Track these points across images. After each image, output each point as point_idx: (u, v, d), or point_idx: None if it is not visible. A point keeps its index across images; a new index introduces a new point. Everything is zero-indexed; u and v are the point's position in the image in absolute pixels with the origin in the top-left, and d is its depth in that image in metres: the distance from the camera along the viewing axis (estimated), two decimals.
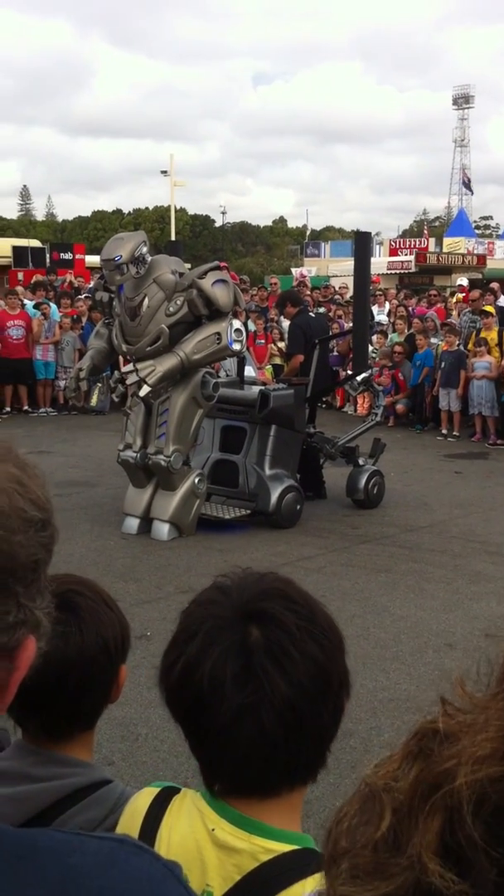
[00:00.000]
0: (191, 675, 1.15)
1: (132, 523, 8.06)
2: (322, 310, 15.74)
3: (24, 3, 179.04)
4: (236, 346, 7.89)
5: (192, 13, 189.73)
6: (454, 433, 13.79)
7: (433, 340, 14.57)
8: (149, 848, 0.79)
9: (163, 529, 7.91)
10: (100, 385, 15.09)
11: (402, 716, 4.70)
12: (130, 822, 1.29)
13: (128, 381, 7.77)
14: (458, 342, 14.10)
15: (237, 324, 7.99)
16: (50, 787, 1.42)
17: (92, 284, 14.92)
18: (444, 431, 13.83)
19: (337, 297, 19.25)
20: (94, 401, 15.16)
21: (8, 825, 0.77)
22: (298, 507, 8.49)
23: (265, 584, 1.21)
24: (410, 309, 17.35)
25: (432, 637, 5.84)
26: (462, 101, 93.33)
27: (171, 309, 7.67)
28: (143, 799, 1.30)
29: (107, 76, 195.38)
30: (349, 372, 10.85)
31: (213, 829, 1.19)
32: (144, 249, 7.61)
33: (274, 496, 8.23)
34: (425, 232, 45.16)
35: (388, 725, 4.60)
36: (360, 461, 9.35)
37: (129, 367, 7.68)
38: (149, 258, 7.75)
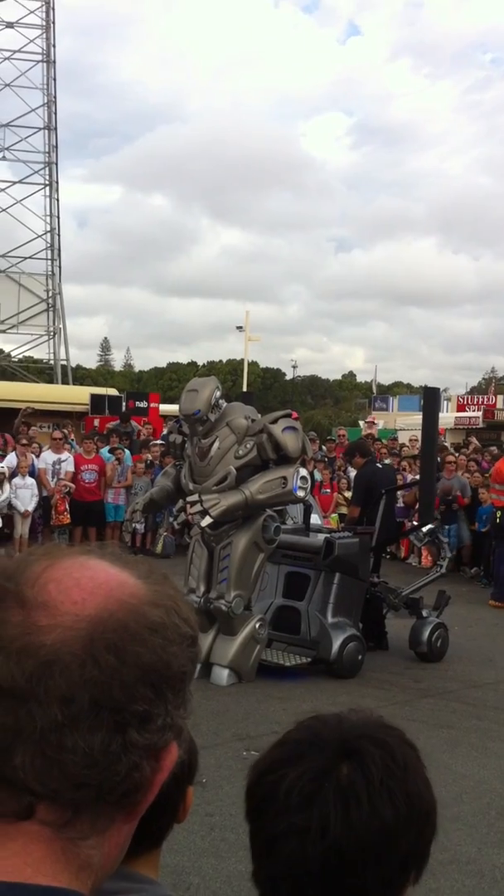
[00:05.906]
0: (267, 774, 1.14)
1: None
2: (388, 461, 15.87)
3: (134, 180, 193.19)
4: (300, 493, 8.02)
5: (287, 187, 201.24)
6: None
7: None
8: None
9: (222, 674, 7.86)
10: (165, 534, 15.32)
11: (463, 879, 4.51)
12: None
13: (191, 511, 7.90)
14: None
15: (304, 471, 8.15)
16: None
17: (166, 430, 15.34)
18: None
19: (405, 448, 19.39)
20: (158, 547, 15.32)
21: None
22: (360, 656, 8.38)
23: (375, 726, 1.18)
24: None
25: (496, 798, 5.63)
26: None
27: (241, 452, 7.89)
28: None
29: (203, 244, 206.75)
30: (415, 523, 10.86)
31: None
32: (218, 394, 7.94)
33: (336, 645, 8.15)
34: (491, 389, 45.62)
35: (448, 888, 4.41)
36: (424, 613, 9.25)
37: (195, 496, 7.82)
38: (223, 403, 8.06)
